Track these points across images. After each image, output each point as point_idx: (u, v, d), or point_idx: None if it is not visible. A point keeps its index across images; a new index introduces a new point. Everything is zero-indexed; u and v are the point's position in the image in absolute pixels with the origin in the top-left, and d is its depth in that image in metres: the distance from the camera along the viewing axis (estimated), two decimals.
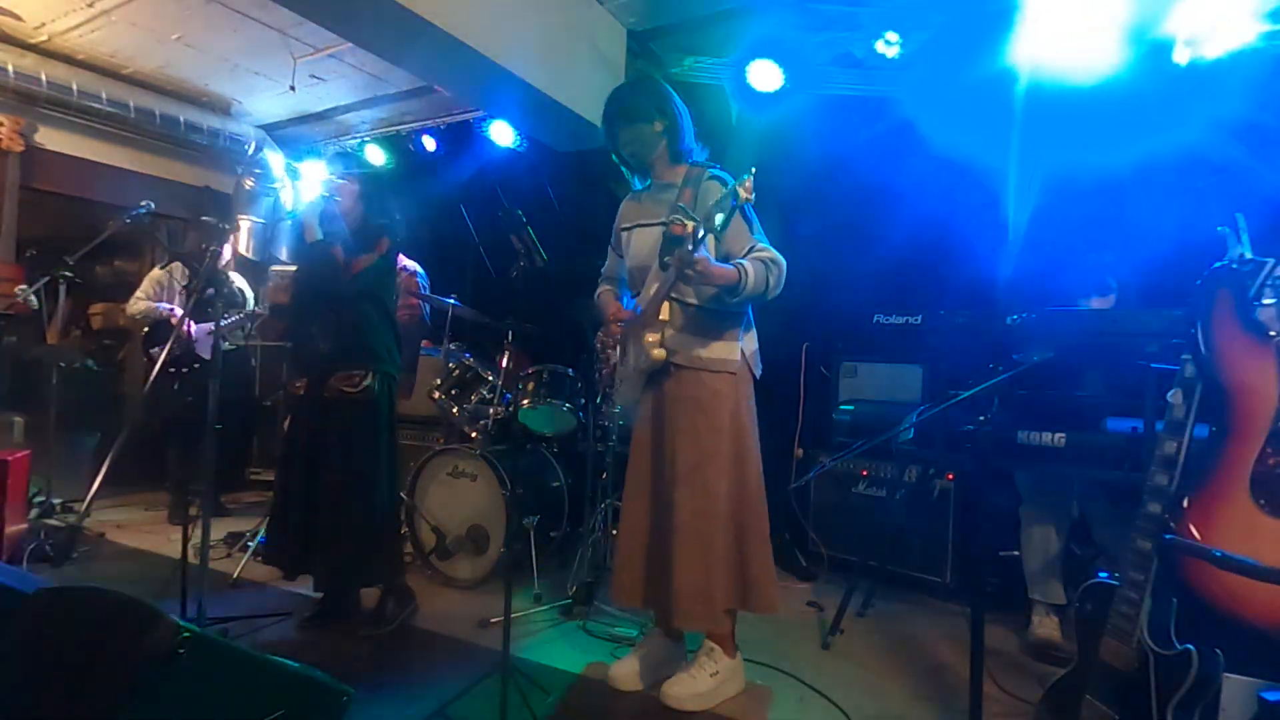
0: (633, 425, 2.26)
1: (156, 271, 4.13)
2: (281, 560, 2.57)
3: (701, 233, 1.79)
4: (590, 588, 2.81)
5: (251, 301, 4.18)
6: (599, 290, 2.40)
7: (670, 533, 2.01)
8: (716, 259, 1.94)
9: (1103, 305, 2.69)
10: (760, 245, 2.01)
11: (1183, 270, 1.64)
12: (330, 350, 2.53)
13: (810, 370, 3.62)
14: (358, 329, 2.53)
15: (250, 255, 4.38)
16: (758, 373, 2.17)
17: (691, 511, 2.00)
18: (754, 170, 1.71)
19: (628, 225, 2.26)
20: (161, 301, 4.02)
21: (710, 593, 1.99)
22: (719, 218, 1.77)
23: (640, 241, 2.18)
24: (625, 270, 2.28)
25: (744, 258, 1.96)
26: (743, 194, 1.70)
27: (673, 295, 2.03)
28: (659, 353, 2.01)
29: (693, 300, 2.05)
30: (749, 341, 2.15)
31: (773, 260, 1.97)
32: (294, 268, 2.83)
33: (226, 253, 4.13)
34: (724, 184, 1.98)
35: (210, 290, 2.74)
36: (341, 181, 2.58)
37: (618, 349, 2.25)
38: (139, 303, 4.02)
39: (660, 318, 2.04)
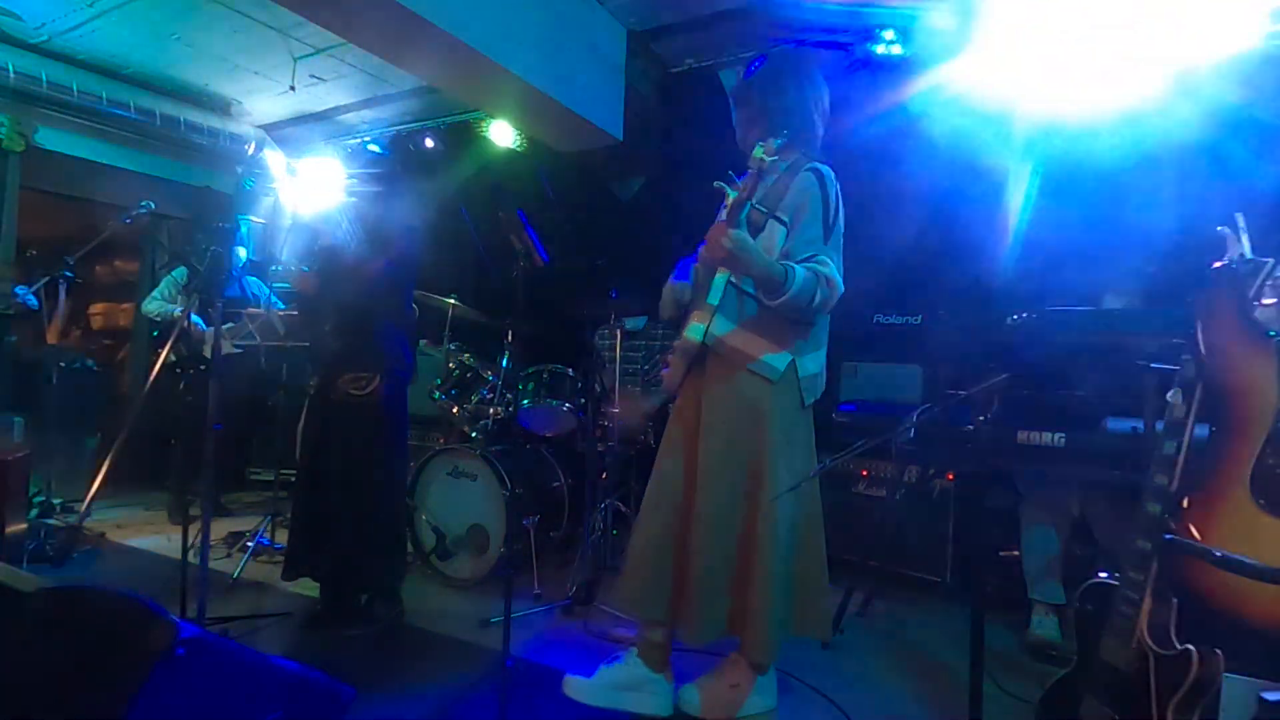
0: (668, 425, 2.10)
1: (178, 273, 4.12)
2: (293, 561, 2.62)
3: (746, 210, 1.69)
4: (590, 588, 2.81)
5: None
6: None
7: (684, 538, 1.92)
8: (778, 254, 1.84)
9: (1119, 304, 2.67)
10: (822, 258, 1.84)
11: (1183, 270, 1.64)
12: (340, 350, 2.54)
13: None
14: (367, 331, 2.53)
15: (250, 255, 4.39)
16: (807, 398, 1.95)
17: (696, 518, 1.90)
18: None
19: None
20: (174, 303, 4.02)
21: (698, 608, 1.88)
22: (793, 210, 1.69)
23: None
24: None
25: (800, 263, 1.82)
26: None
27: (732, 280, 1.90)
28: (694, 337, 1.88)
29: (755, 294, 1.89)
30: (810, 363, 1.95)
31: (827, 279, 1.82)
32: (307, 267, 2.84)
33: (242, 254, 4.15)
34: (818, 177, 1.87)
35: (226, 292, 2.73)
36: (360, 188, 2.60)
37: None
38: (154, 302, 4.02)
39: (710, 300, 1.91)
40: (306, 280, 2.73)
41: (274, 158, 2.73)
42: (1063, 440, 2.16)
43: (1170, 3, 2.59)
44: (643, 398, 3.48)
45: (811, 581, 1.97)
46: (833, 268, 1.85)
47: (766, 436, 1.88)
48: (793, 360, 1.90)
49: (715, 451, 1.90)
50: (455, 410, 3.37)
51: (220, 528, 3.57)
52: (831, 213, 1.88)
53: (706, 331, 1.92)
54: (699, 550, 1.89)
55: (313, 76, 4.31)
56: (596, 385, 3.32)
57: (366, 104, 4.75)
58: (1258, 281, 1.37)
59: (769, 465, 1.87)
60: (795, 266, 1.80)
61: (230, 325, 3.76)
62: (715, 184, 1.85)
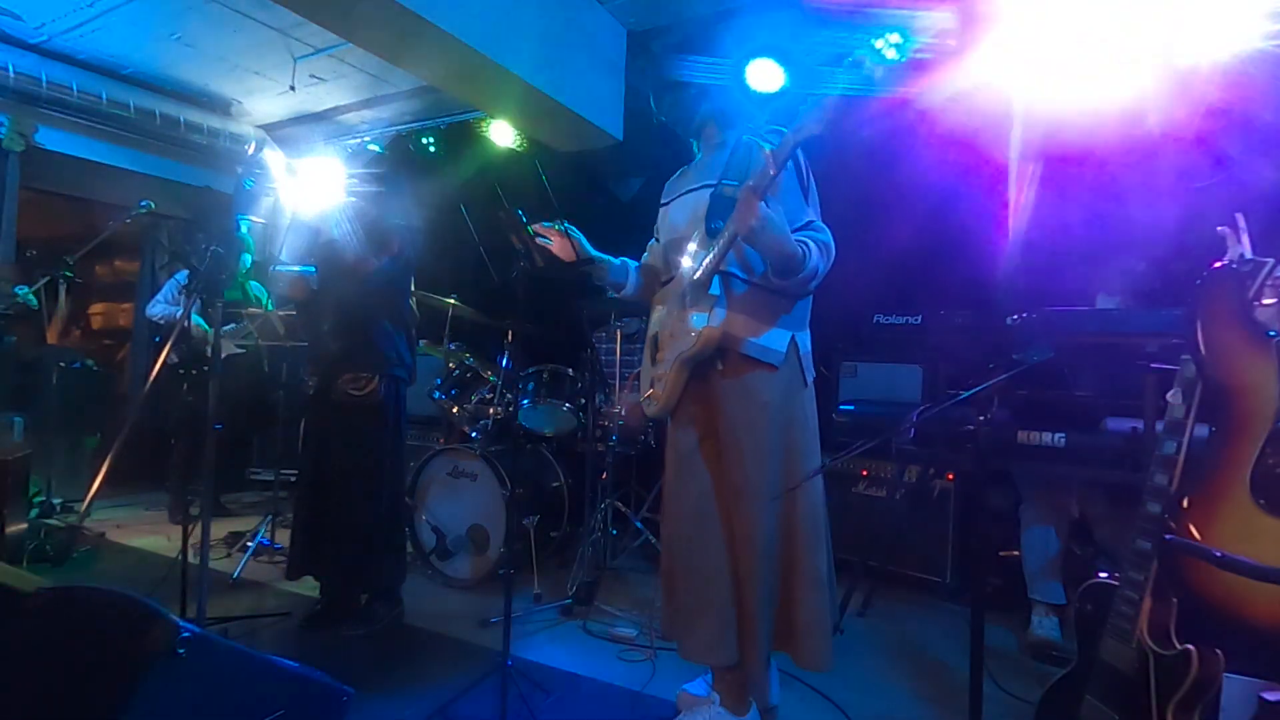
0: (670, 435, 1.91)
1: (180, 275, 4.12)
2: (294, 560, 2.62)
3: (773, 174, 1.54)
4: (590, 588, 2.81)
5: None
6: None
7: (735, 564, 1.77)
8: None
9: (1110, 304, 2.68)
10: (818, 224, 1.74)
11: (1182, 270, 1.64)
12: (339, 350, 2.54)
13: None
14: (366, 331, 2.54)
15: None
16: (809, 376, 1.83)
17: (744, 543, 1.75)
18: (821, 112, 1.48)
19: (667, 199, 1.99)
20: (177, 305, 4.02)
21: (758, 633, 1.74)
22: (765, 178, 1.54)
23: (679, 210, 1.90)
24: (658, 255, 2.00)
25: (802, 233, 1.69)
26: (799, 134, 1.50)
27: (723, 269, 1.73)
28: (711, 331, 1.69)
29: (744, 275, 1.75)
30: (804, 339, 1.84)
31: (827, 247, 1.70)
32: (297, 267, 2.84)
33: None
34: (772, 142, 1.70)
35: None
36: (359, 188, 2.61)
37: (647, 353, 1.98)
38: (158, 305, 4.03)
39: (713, 291, 1.73)
40: (299, 283, 2.73)
41: (274, 158, 2.72)
42: (1063, 440, 2.16)
43: (1170, 3, 2.59)
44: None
45: (810, 610, 1.85)
46: (828, 233, 1.76)
47: (797, 435, 1.78)
48: (792, 337, 1.78)
49: (750, 466, 1.74)
50: (455, 410, 3.37)
51: (220, 528, 3.57)
52: (804, 174, 1.79)
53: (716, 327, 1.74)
54: (755, 576, 1.74)
55: (313, 76, 4.31)
56: (596, 385, 3.32)
57: (366, 104, 4.74)
58: (1258, 281, 1.37)
59: (800, 462, 1.78)
60: (809, 242, 1.68)
61: (231, 326, 3.77)
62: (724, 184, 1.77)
